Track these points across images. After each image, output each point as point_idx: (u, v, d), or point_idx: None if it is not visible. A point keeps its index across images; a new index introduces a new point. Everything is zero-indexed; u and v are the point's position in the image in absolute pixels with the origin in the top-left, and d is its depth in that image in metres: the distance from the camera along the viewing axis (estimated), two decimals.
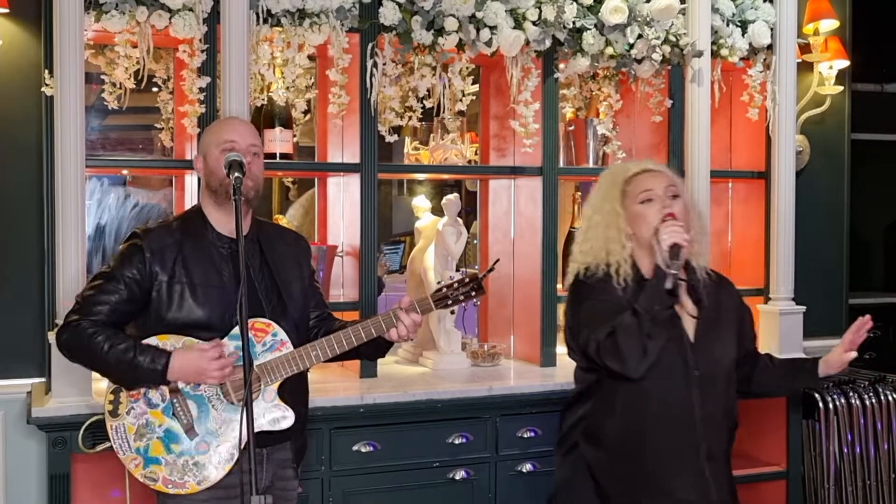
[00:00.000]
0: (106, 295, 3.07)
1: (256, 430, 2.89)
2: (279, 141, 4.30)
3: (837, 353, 3.38)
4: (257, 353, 3.07)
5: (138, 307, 3.10)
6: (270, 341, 3.10)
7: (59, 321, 3.34)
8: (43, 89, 3.84)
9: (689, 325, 3.26)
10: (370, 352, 3.32)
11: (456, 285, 3.23)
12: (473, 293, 3.22)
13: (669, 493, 3.17)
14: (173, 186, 4.62)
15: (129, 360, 2.97)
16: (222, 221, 3.18)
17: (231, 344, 3.05)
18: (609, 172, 3.42)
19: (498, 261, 3.40)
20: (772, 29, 4.80)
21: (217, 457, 3.03)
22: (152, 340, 3.05)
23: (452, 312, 3.54)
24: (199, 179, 3.40)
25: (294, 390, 3.17)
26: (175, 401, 3.06)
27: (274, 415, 3.08)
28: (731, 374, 3.32)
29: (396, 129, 4.51)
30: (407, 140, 4.88)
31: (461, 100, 4.47)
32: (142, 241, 3.11)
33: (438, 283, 3.21)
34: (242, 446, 2.89)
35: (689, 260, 3.29)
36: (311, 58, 4.27)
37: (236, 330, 3.01)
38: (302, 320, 3.30)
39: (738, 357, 3.38)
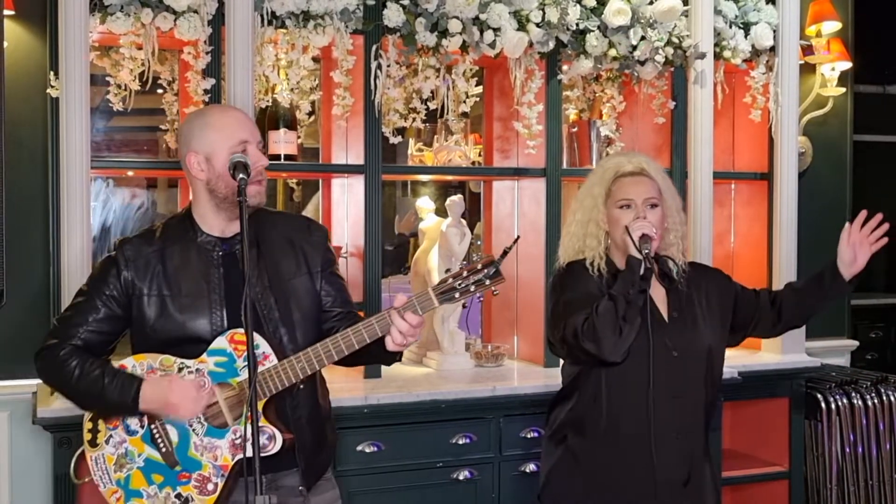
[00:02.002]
0: (82, 315, 2.86)
1: (243, 455, 2.77)
2: (283, 142, 4.30)
3: (848, 252, 3.38)
4: (238, 370, 2.79)
5: (122, 325, 2.90)
6: None
7: None
8: (48, 91, 3.86)
9: (663, 309, 3.34)
10: (378, 355, 2.87)
11: (466, 273, 2.69)
12: (488, 281, 2.68)
13: (650, 472, 3.20)
14: (178, 188, 4.62)
15: (99, 390, 2.77)
16: (217, 224, 2.93)
17: (211, 360, 2.80)
18: (600, 167, 3.48)
19: (518, 238, 2.99)
20: (774, 31, 4.82)
21: (200, 487, 2.80)
22: (128, 361, 2.84)
23: (464, 306, 2.87)
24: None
25: (295, 406, 2.89)
26: (153, 426, 2.83)
27: (260, 438, 2.73)
28: (710, 352, 3.36)
29: (400, 131, 4.52)
30: (411, 141, 4.89)
31: (465, 101, 4.48)
32: (117, 253, 2.90)
33: (447, 271, 2.71)
34: (246, 444, 2.66)
35: (660, 253, 3.39)
36: (315, 59, 4.30)
37: (217, 343, 2.81)
38: (307, 322, 2.95)
39: (742, 312, 3.43)
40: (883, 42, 7.06)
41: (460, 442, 4.05)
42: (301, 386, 2.88)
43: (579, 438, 3.35)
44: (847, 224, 3.38)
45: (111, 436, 2.85)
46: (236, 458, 2.80)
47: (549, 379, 4.24)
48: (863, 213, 3.37)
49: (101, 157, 4.26)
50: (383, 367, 4.27)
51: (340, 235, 4.70)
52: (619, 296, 3.12)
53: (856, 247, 3.35)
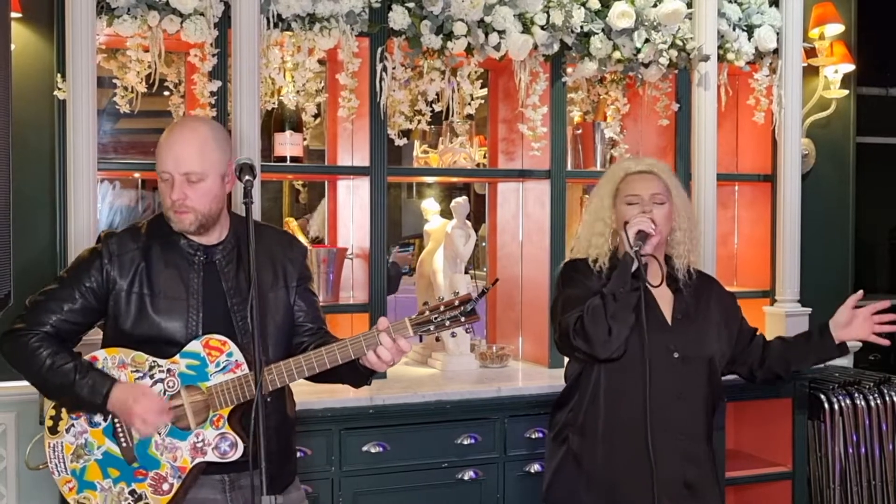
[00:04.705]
0: (57, 302, 2.88)
1: (203, 459, 2.81)
2: (289, 144, 4.33)
3: (845, 314, 3.40)
4: (209, 375, 2.81)
5: (94, 317, 2.93)
6: (224, 361, 2.82)
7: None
8: (55, 93, 3.87)
9: (668, 312, 3.38)
10: (350, 377, 2.96)
11: (443, 308, 2.78)
12: (463, 318, 2.78)
13: (649, 472, 3.21)
14: None
15: (69, 384, 2.79)
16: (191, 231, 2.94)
17: (183, 362, 2.83)
18: (610, 170, 3.56)
19: (497, 281, 3.05)
20: (777, 33, 4.84)
21: (155, 486, 2.81)
22: (99, 354, 2.86)
23: (437, 339, 2.89)
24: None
25: (264, 416, 2.73)
26: (116, 420, 2.84)
27: (222, 445, 2.82)
28: (713, 359, 3.39)
29: (406, 133, 4.54)
30: (416, 143, 4.90)
31: (470, 103, 4.51)
32: (102, 246, 2.92)
33: (425, 304, 2.86)
34: (251, 440, 2.67)
35: (670, 256, 3.44)
36: (321, 62, 4.31)
37: (191, 346, 2.83)
38: (280, 335, 3.00)
39: (733, 342, 3.45)
40: (886, 44, 7.05)
41: (465, 442, 4.06)
42: (269, 399, 2.87)
43: (580, 439, 3.38)
44: (860, 292, 3.44)
45: (72, 425, 2.87)
46: (196, 461, 2.83)
47: (554, 379, 4.25)
48: (885, 303, 3.43)
49: (108, 159, 4.28)
50: (388, 368, 4.28)
51: (346, 237, 4.73)
52: (609, 294, 3.16)
53: (857, 318, 3.39)
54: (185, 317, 2.87)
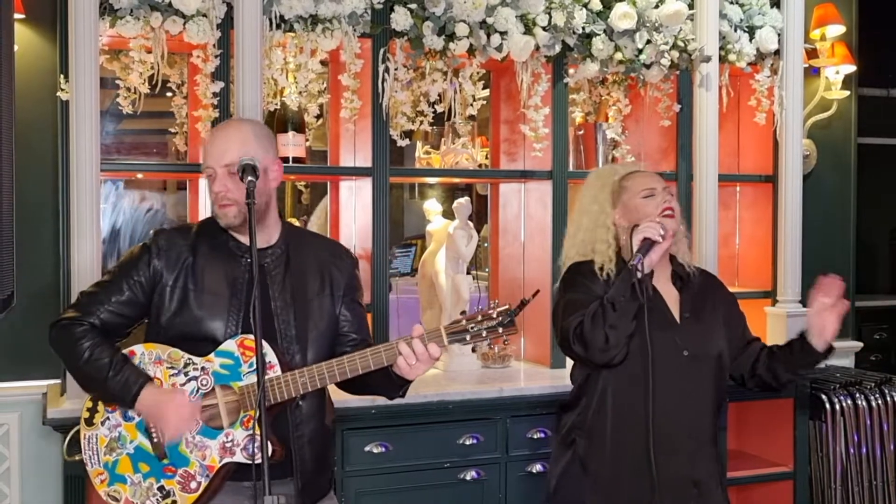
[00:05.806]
0: (105, 293, 2.91)
1: (232, 459, 2.80)
2: (292, 145, 4.33)
3: (815, 320, 3.37)
4: (241, 374, 2.80)
5: (141, 312, 2.94)
6: None
7: None
8: (58, 94, 3.87)
9: (675, 310, 3.38)
10: (384, 386, 2.93)
11: (480, 318, 2.73)
12: (501, 329, 2.72)
13: (654, 472, 3.21)
14: (187, 190, 4.64)
15: (103, 379, 2.80)
16: (240, 232, 2.95)
17: (217, 361, 2.82)
18: (596, 176, 3.54)
19: (538, 292, 2.94)
20: (779, 34, 4.85)
21: (184, 484, 2.81)
22: (137, 349, 2.88)
23: (473, 350, 2.78)
24: None
25: (298, 423, 2.90)
26: None
27: (250, 446, 2.78)
28: (720, 357, 3.39)
29: (408, 134, 4.52)
30: (418, 144, 4.91)
31: (472, 104, 4.50)
32: (151, 242, 2.95)
33: (462, 313, 2.81)
34: (257, 443, 2.68)
35: (674, 255, 3.44)
36: (323, 63, 4.32)
37: (226, 345, 2.82)
38: (321, 342, 2.96)
39: (732, 345, 3.46)
40: (887, 45, 7.07)
41: (467, 442, 4.07)
42: (300, 402, 2.89)
43: (587, 442, 3.38)
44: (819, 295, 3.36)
45: (108, 418, 2.89)
46: (224, 461, 2.82)
47: (556, 380, 4.27)
48: (821, 280, 3.37)
49: (111, 160, 4.29)
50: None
51: (348, 238, 4.73)
52: (608, 304, 3.16)
53: (829, 319, 3.32)
54: (226, 315, 2.87)
